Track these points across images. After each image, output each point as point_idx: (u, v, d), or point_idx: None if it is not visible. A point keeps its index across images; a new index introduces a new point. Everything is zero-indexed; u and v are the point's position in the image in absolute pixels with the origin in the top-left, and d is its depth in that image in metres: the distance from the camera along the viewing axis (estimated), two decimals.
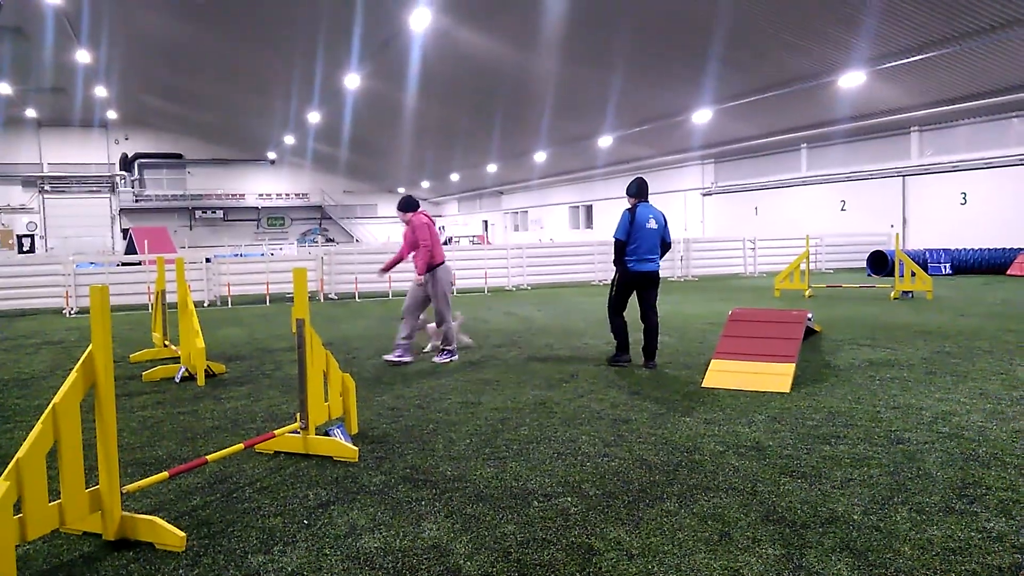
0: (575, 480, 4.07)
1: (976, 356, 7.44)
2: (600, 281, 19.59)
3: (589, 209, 43.46)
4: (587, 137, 31.32)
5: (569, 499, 3.78)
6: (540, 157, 36.95)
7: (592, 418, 5.41)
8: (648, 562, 3.05)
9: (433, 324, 8.40)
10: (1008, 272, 19.17)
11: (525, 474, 4.19)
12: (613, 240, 7.51)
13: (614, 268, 7.62)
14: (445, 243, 27.66)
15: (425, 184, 54.38)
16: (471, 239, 46.06)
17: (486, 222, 54.10)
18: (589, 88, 24.81)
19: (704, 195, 34.23)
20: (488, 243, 41.69)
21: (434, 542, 3.30)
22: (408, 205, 8.20)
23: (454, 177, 48.35)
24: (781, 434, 4.84)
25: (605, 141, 31.05)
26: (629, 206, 7.57)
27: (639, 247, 7.39)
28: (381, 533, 3.41)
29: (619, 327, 7.64)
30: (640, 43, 19.91)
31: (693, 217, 34.79)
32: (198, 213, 54.05)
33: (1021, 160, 21.31)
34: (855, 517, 3.45)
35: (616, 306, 7.61)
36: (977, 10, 15.43)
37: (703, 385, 6.37)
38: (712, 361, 6.70)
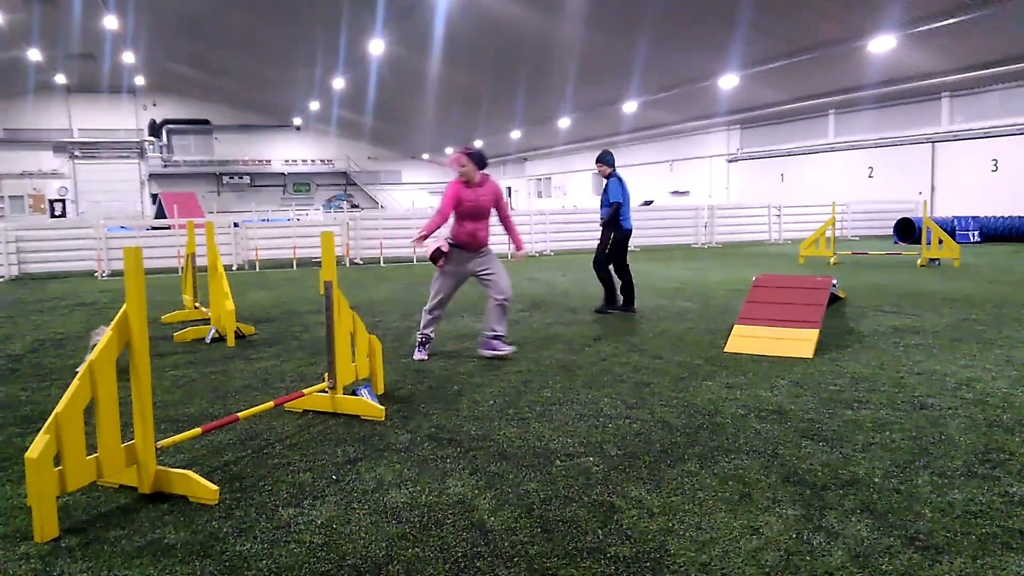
0: (597, 441, 4.13)
1: (1003, 324, 7.37)
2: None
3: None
4: (611, 103, 30.98)
5: (591, 459, 3.84)
6: (564, 123, 36.66)
7: (614, 381, 5.46)
8: (669, 520, 3.11)
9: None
10: None
11: (548, 434, 4.26)
12: (611, 203, 8.62)
13: (604, 228, 8.78)
14: None
15: (449, 150, 54.24)
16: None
17: (510, 188, 53.92)
18: (614, 53, 24.49)
19: (729, 161, 33.83)
20: (512, 209, 41.55)
21: (459, 498, 3.38)
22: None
23: (478, 143, 48.13)
24: (803, 398, 4.86)
25: (629, 107, 30.71)
26: (606, 173, 8.73)
27: (626, 208, 8.74)
28: (407, 489, 3.50)
29: (610, 280, 8.79)
30: (666, 6, 19.59)
31: (718, 183, 34.44)
32: (225, 179, 54.41)
33: None
34: (876, 480, 3.48)
35: (606, 262, 8.77)
36: None
37: (726, 350, 6.39)
38: (735, 326, 6.70)
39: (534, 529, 3.05)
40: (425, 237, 6.07)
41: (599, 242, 8.87)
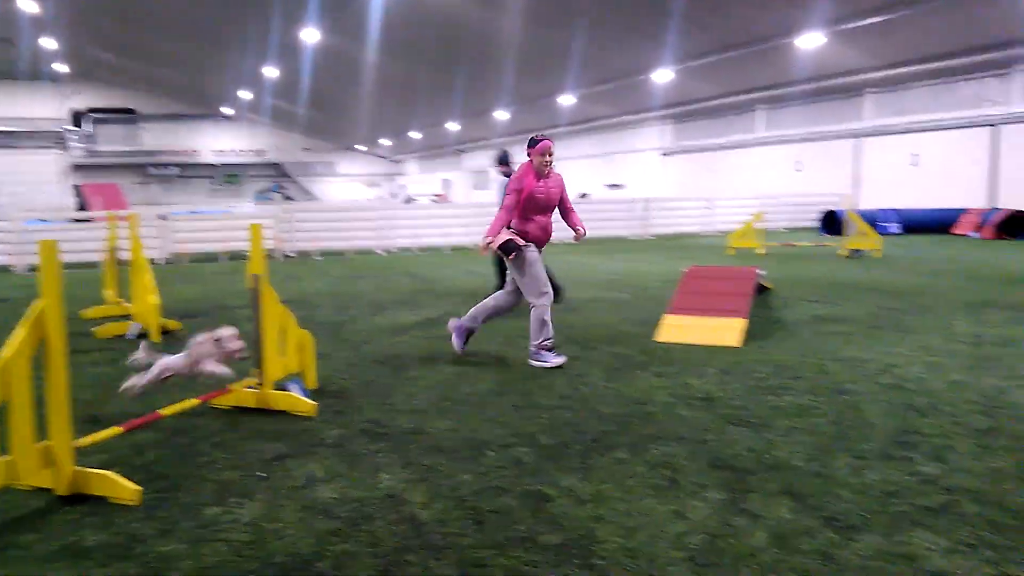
0: (530, 431, 4.15)
1: (920, 312, 7.69)
2: (560, 240, 19.60)
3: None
4: (548, 95, 31.13)
5: (524, 449, 3.87)
6: (501, 116, 36.68)
7: (548, 372, 5.49)
8: (598, 507, 3.15)
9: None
10: (953, 231, 19.69)
11: (481, 426, 4.26)
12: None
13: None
14: (406, 203, 27.50)
15: (385, 142, 53.68)
16: (431, 197, 45.72)
17: (447, 180, 53.69)
18: (551, 45, 24.58)
19: (663, 155, 34.37)
20: (449, 201, 41.43)
21: (390, 492, 3.36)
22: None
23: (415, 135, 47.78)
24: (731, 386, 4.98)
25: (567, 100, 30.92)
26: (506, 173, 8.68)
27: None
28: (338, 484, 3.46)
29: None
30: (603, 2, 19.75)
31: (652, 176, 34.96)
32: (152, 170, 52.71)
33: (969, 122, 21.77)
34: (798, 463, 3.59)
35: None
36: None
37: (657, 340, 6.50)
38: (666, 316, 6.82)
39: (466, 520, 3.05)
40: (492, 240, 5.61)
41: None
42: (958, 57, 20.61)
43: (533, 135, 5.85)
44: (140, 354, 4.54)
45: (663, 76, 25.19)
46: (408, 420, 4.40)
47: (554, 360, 5.62)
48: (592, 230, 20.20)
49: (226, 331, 4.50)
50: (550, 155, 5.72)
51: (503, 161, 8.94)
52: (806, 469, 3.52)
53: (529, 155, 5.75)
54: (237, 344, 4.47)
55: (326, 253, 17.40)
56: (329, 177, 57.95)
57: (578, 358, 5.90)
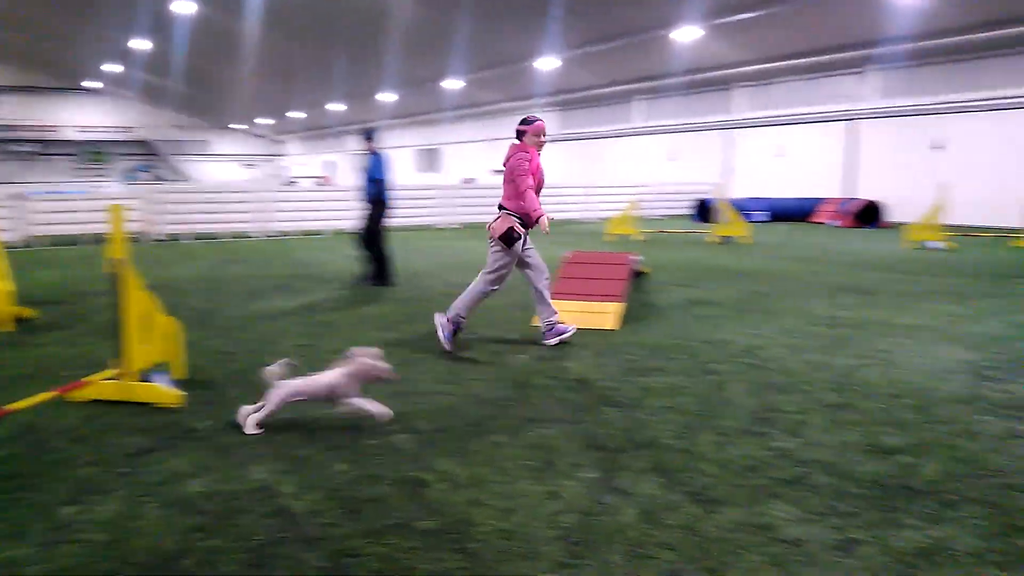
0: (408, 417, 4.13)
1: (782, 295, 8.17)
2: (443, 225, 19.62)
3: (436, 153, 43.14)
4: (435, 79, 30.90)
5: (402, 436, 3.84)
6: (388, 98, 36.12)
7: (430, 358, 5.48)
8: (475, 490, 3.18)
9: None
10: (814, 219, 20.99)
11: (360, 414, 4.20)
12: (375, 179, 8.89)
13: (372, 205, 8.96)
14: (286, 185, 26.67)
15: (263, 121, 51.79)
16: (315, 179, 44.53)
17: (331, 162, 52.42)
18: (438, 28, 24.38)
19: (548, 142, 34.81)
20: (333, 184, 40.44)
21: (261, 484, 3.26)
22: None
23: (296, 115, 46.32)
24: (606, 368, 5.13)
25: (454, 84, 30.79)
26: (371, 149, 8.99)
27: (384, 184, 9.00)
28: (205, 478, 3.33)
29: (383, 256, 9.07)
30: None
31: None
32: (9, 146, 48.71)
33: (829, 117, 23.21)
34: (666, 441, 3.74)
35: (378, 236, 9.02)
36: None
37: (536, 324, 6.59)
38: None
39: (341, 510, 3.01)
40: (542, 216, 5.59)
41: (368, 219, 9.02)
42: (820, 55, 21.91)
43: (525, 116, 5.92)
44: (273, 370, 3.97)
45: (548, 63, 25.49)
46: (282, 410, 4.27)
47: (445, 340, 5.64)
48: (477, 215, 20.45)
49: (371, 351, 4.06)
50: (544, 135, 5.84)
51: (369, 137, 9.04)
52: (674, 446, 3.67)
53: (523, 134, 5.79)
54: (384, 366, 4.05)
55: (200, 237, 16.64)
56: (203, 157, 55.35)
57: (459, 342, 5.91)
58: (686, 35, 20.58)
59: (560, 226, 20.47)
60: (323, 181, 43.25)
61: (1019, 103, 19.11)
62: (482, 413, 4.20)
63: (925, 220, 13.85)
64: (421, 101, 37.11)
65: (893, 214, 20.46)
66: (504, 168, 5.89)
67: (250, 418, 3.90)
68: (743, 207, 21.15)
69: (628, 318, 6.73)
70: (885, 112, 21.98)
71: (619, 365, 5.21)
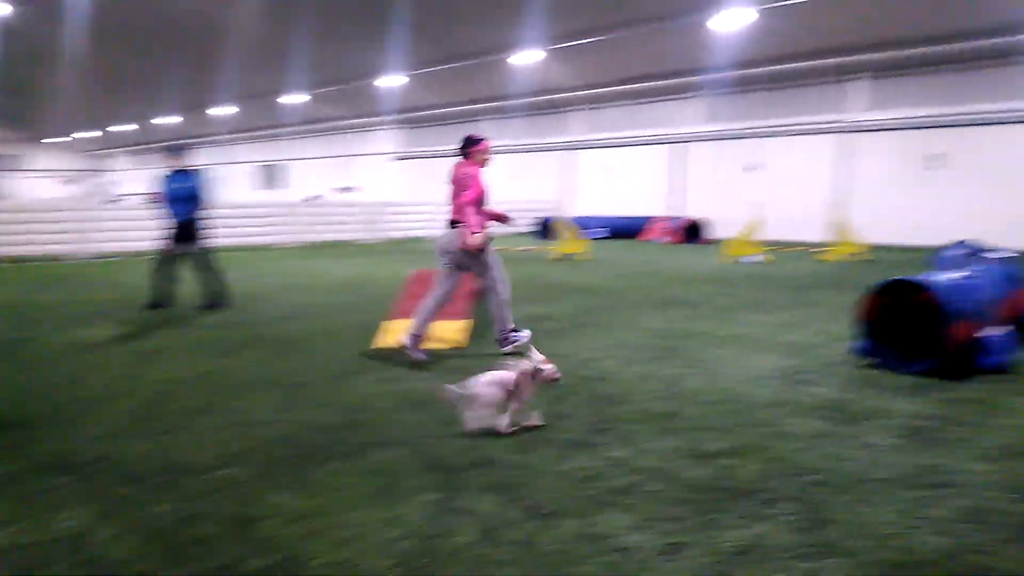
0: (241, 449, 3.94)
1: (616, 309, 8.54)
2: (285, 244, 19.02)
3: (278, 169, 41.82)
4: (277, 93, 29.98)
5: (233, 470, 3.66)
6: (225, 111, 34.63)
7: (266, 384, 5.27)
8: (311, 522, 3.08)
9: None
10: (647, 236, 22.13)
11: (186, 448, 3.97)
12: (185, 198, 8.54)
13: (182, 226, 8.59)
14: (110, 203, 24.87)
15: (88, 135, 48.13)
16: (147, 196, 41.83)
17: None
18: (279, 42, 23.64)
19: (396, 159, 34.68)
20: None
21: (72, 531, 3.00)
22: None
23: (122, 128, 43.39)
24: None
25: (297, 99, 30.01)
26: (178, 167, 8.72)
27: (186, 203, 8.64)
28: (7, 530, 3.01)
29: (213, 278, 8.82)
30: (332, 3, 19.40)
31: (385, 181, 35.12)
32: None
33: (659, 139, 24.64)
34: (507, 457, 3.79)
35: (202, 258, 8.81)
36: (632, 4, 17.39)
37: (380, 345, 6.52)
38: (390, 321, 6.87)
39: (162, 555, 2.82)
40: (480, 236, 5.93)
41: (181, 240, 8.65)
42: (651, 81, 23.27)
43: (469, 135, 6.35)
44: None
45: (393, 81, 25.40)
46: (98, 448, 3.96)
47: (523, 336, 6.19)
48: (322, 234, 19.98)
49: (537, 357, 4.28)
50: (489, 153, 6.30)
51: (175, 154, 8.75)
52: (513, 462, 3.73)
53: (470, 153, 6.20)
54: (549, 367, 4.28)
55: (8, 260, 15.16)
56: (18, 172, 50.58)
57: (298, 368, 5.74)
58: (526, 58, 21.19)
59: (408, 244, 20.38)
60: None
61: (823, 128, 21.11)
62: (319, 441, 4.08)
63: (742, 236, 14.93)
64: (262, 116, 35.85)
65: (716, 231, 21.95)
66: (451, 184, 6.21)
67: (501, 420, 4.11)
68: (582, 225, 21.99)
69: (476, 335, 6.78)
70: (707, 135, 23.61)
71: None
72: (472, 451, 3.89)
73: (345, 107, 32.23)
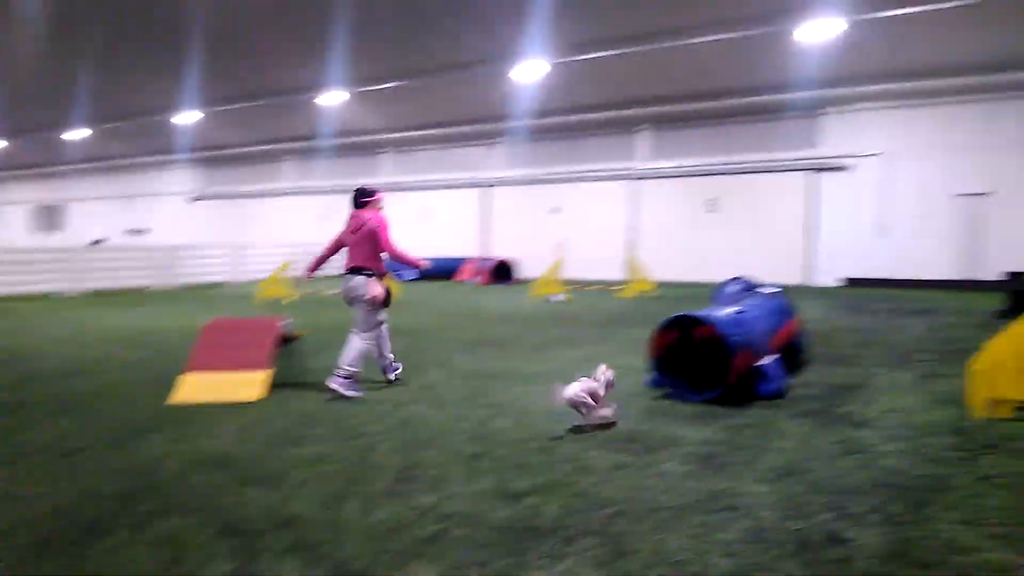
0: (8, 527, 3.49)
1: (427, 351, 8.54)
2: (66, 293, 17.32)
3: (57, 210, 38.16)
4: (55, 128, 27.48)
5: None
6: None
7: (36, 451, 4.72)
8: None
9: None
10: (458, 278, 22.45)
11: None
12: None
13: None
14: None
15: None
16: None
17: None
18: (59, 74, 21.71)
19: (193, 200, 32.81)
20: None
21: None
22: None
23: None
24: (249, 443, 4.87)
25: (78, 134, 27.66)
26: None
27: None
28: None
29: None
30: (116, 34, 18.11)
31: (182, 222, 33.10)
32: None
33: (466, 183, 25.23)
34: (310, 515, 3.64)
35: None
36: (432, 53, 17.79)
37: (174, 401, 6.07)
38: (184, 375, 6.42)
39: None
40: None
41: None
42: (458, 126, 23.84)
43: (363, 186, 6.77)
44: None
45: (189, 118, 24.12)
46: None
47: (353, 392, 6.18)
48: (109, 281, 18.41)
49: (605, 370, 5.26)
50: (383, 202, 6.84)
51: None
52: (318, 519, 3.59)
53: (368, 204, 6.62)
54: (611, 374, 5.33)
55: None
56: None
57: (76, 431, 5.19)
58: (333, 99, 20.95)
59: (205, 290, 19.25)
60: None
61: (615, 175, 22.60)
62: (101, 511, 3.70)
63: (546, 276, 15.55)
64: (39, 151, 32.68)
65: (524, 271, 22.72)
66: (356, 233, 6.50)
67: (601, 413, 5.08)
68: (393, 267, 21.90)
69: (277, 386, 6.49)
70: (511, 180, 24.49)
71: (263, 438, 4.98)
72: (274, 510, 3.69)
73: (134, 144, 30.16)
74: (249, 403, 5.99)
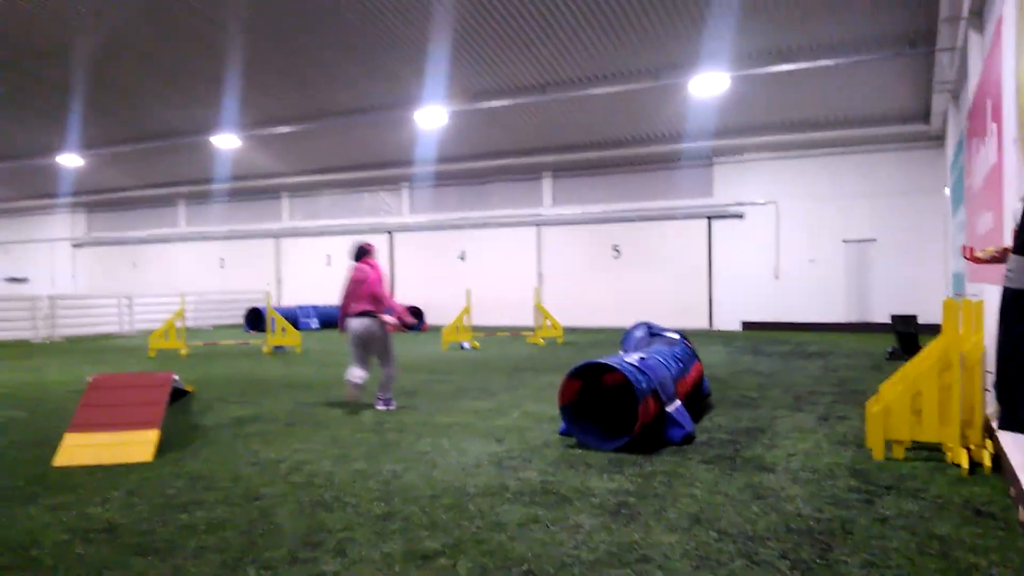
0: None
1: (332, 404, 8.25)
2: None
3: None
4: None
5: None
6: None
7: None
8: None
9: None
10: None
11: None
12: None
13: None
14: None
15: None
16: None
17: None
18: None
19: (75, 246, 31.12)
20: None
21: None
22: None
23: None
24: (138, 508, 4.52)
25: None
26: None
27: None
28: None
29: None
30: None
31: (63, 270, 31.27)
32: None
33: (371, 228, 24.97)
34: None
35: None
36: (331, 97, 17.65)
37: (55, 464, 5.60)
38: (66, 435, 5.96)
39: None
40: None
41: None
42: (360, 171, 23.64)
43: (361, 244, 8.15)
44: None
45: (70, 161, 22.97)
46: None
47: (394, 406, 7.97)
48: None
49: None
50: (377, 255, 8.24)
51: None
52: None
53: (366, 254, 8.02)
54: None
55: None
56: None
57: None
58: (226, 142, 20.40)
59: (91, 342, 18.16)
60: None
61: (520, 220, 22.86)
62: None
63: (455, 322, 15.46)
64: None
65: (434, 317, 22.55)
66: (361, 283, 7.79)
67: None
68: (294, 315, 21.31)
69: (167, 445, 6.11)
70: (418, 225, 24.41)
71: (153, 503, 4.64)
72: None
73: (11, 186, 28.48)
74: (138, 464, 5.59)
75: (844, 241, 19.22)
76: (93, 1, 13.60)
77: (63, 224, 31.33)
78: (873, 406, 5.57)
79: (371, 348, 7.82)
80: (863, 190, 19.03)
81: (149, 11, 13.76)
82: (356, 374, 7.74)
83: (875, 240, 18.91)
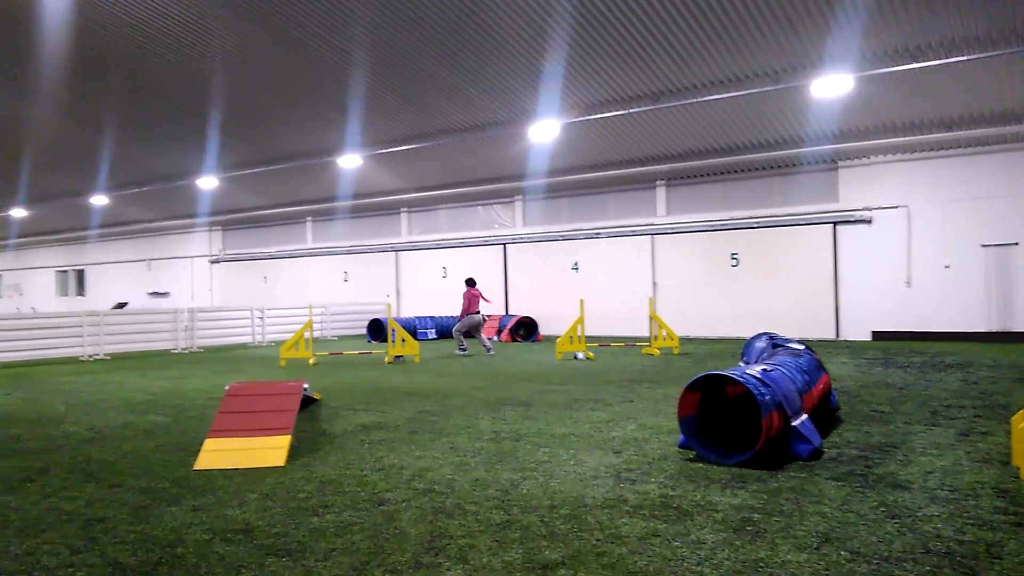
0: None
1: (450, 413, 8.43)
2: (90, 356, 17.44)
3: (81, 274, 38.78)
4: (77, 194, 28.11)
5: None
6: (18, 213, 31.94)
7: (60, 522, 4.65)
8: None
9: None
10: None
11: None
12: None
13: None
14: None
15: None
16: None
17: None
18: (79, 142, 22.32)
19: (212, 262, 33.20)
20: None
21: None
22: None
23: None
24: (272, 511, 4.77)
25: (99, 200, 28.25)
26: None
27: None
28: None
29: None
30: (136, 101, 18.63)
31: (201, 285, 33.45)
32: None
33: (485, 241, 25.34)
34: None
35: None
36: (447, 116, 18.13)
37: (196, 468, 5.99)
38: (206, 440, 6.36)
39: None
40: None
41: None
42: (475, 186, 24.10)
43: (470, 277, 16.16)
44: None
45: (208, 183, 24.59)
46: None
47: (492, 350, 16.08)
48: (129, 344, 18.53)
49: None
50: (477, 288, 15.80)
51: None
52: None
53: (473, 284, 16.32)
54: None
55: None
56: None
57: (99, 500, 5.12)
58: (349, 162, 21.31)
59: (227, 352, 19.30)
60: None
61: (634, 231, 22.62)
62: None
63: (569, 333, 15.46)
64: (61, 217, 33.38)
65: (548, 328, 22.63)
66: (472, 298, 16.15)
67: None
68: (413, 326, 21.91)
69: (298, 451, 6.41)
70: (532, 237, 24.59)
71: (286, 506, 4.88)
72: None
73: (154, 208, 30.74)
74: (272, 468, 5.90)
75: (982, 246, 17.92)
76: (232, 37, 14.56)
77: (201, 241, 33.52)
78: (1020, 422, 5.16)
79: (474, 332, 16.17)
80: (1002, 191, 17.69)
81: (282, 42, 14.59)
82: (463, 344, 15.85)
83: (1017, 244, 17.54)
